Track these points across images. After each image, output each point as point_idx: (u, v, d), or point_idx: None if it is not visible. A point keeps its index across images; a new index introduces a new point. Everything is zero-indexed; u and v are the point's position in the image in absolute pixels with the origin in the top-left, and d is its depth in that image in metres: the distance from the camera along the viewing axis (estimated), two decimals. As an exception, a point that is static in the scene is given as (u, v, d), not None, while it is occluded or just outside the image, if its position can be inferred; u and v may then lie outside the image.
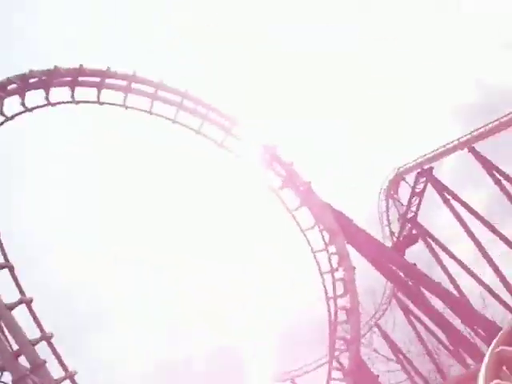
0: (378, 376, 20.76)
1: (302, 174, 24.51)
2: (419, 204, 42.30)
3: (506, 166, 36.04)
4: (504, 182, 34.93)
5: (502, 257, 35.50)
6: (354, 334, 20.68)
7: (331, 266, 23.63)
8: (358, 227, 24.35)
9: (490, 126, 35.50)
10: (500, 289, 34.41)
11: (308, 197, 24.26)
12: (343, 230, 23.37)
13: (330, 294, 22.91)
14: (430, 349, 36.51)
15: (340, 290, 22.64)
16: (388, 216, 43.49)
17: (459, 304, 23.57)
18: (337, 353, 22.25)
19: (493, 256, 35.16)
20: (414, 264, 24.68)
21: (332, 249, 23.44)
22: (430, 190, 39.90)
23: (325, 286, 23.86)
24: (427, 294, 24.88)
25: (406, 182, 42.75)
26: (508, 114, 34.59)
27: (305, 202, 23.99)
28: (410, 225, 41.94)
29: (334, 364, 21.32)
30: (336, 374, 21.71)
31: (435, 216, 45.95)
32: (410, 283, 23.59)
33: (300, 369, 40.29)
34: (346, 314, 21.59)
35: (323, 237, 23.44)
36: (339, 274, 22.94)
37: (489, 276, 36.09)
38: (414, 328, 37.80)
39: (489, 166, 35.55)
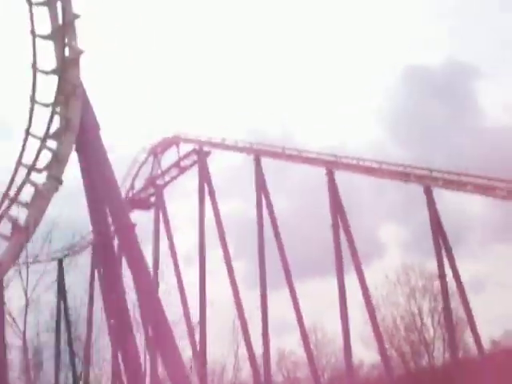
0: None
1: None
2: (174, 177, 37.99)
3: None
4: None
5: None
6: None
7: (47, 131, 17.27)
8: (102, 144, 18.43)
9: (288, 152, 32.76)
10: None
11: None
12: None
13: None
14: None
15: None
16: (139, 169, 38.41)
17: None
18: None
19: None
20: (134, 224, 19.34)
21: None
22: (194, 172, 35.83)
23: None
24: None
25: (178, 151, 38.30)
26: (308, 152, 32.25)
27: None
28: (153, 190, 37.33)
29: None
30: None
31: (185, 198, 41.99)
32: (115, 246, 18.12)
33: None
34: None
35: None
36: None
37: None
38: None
39: (260, 183, 32.67)
